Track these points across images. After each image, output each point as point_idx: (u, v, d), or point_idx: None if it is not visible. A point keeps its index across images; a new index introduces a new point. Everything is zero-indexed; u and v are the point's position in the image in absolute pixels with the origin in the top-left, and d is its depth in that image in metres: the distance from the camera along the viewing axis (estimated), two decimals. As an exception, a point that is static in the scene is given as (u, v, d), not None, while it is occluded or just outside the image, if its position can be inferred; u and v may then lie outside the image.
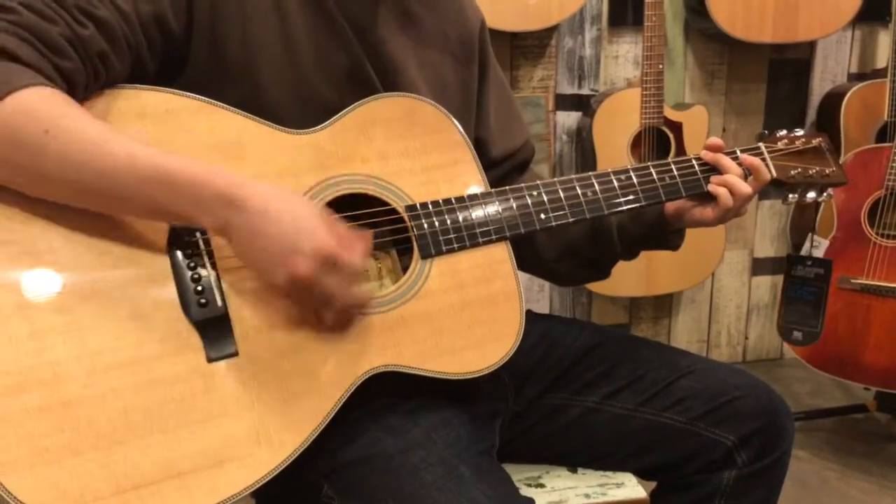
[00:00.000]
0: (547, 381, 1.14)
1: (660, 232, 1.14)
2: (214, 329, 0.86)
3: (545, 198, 1.03)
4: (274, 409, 0.86)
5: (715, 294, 2.74)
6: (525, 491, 1.12)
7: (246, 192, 0.81)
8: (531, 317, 1.25)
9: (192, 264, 0.87)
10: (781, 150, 1.13)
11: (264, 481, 0.84)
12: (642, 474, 1.15)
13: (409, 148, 0.99)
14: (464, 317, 0.96)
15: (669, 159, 1.09)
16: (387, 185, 0.97)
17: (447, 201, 0.98)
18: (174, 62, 0.93)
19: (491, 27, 2.15)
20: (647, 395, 1.11)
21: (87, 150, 0.79)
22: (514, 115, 1.22)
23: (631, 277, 2.38)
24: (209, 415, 0.84)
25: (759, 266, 2.74)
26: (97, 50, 0.85)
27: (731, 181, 1.06)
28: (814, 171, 1.13)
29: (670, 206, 1.12)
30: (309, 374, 0.89)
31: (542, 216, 1.02)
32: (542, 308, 2.61)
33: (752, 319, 2.79)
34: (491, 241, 0.99)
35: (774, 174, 1.11)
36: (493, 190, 1.02)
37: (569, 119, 2.47)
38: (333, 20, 0.99)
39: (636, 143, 2.26)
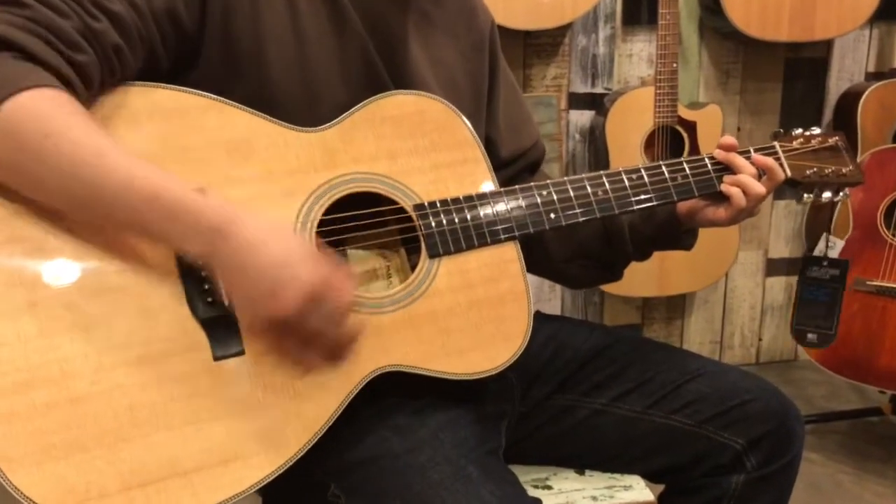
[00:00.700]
0: (555, 382, 1.13)
1: (672, 232, 1.13)
2: (221, 327, 0.86)
3: (555, 197, 1.02)
4: (280, 408, 0.86)
5: (728, 295, 2.72)
6: (532, 492, 1.11)
7: (236, 225, 0.79)
8: (540, 317, 1.24)
9: (199, 262, 0.87)
10: (797, 149, 1.11)
11: (269, 480, 0.84)
12: (650, 477, 1.14)
13: (419, 146, 0.99)
14: (471, 317, 0.95)
15: (682, 158, 1.08)
16: (395, 183, 0.97)
17: (455, 200, 0.98)
18: (186, 57, 0.93)
19: (504, 26, 2.17)
20: (656, 397, 1.10)
21: (85, 162, 0.78)
22: (524, 116, 1.22)
23: (643, 277, 2.37)
24: (215, 413, 0.84)
25: (774, 267, 2.71)
26: (111, 44, 0.85)
27: (745, 181, 1.05)
28: (830, 170, 1.12)
29: (682, 206, 1.11)
30: (315, 373, 0.88)
31: (552, 215, 1.01)
32: (554, 308, 2.60)
33: (766, 321, 2.77)
34: (499, 241, 0.98)
35: (789, 174, 1.10)
36: (502, 189, 1.01)
37: (582, 118, 2.46)
38: (346, 17, 0.99)
39: (649, 143, 2.25)
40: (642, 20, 2.44)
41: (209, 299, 0.86)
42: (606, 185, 1.04)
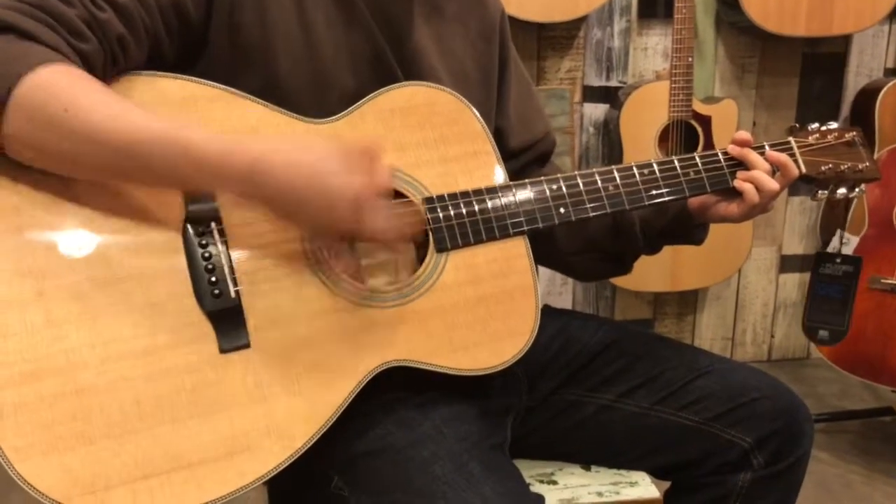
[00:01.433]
0: (562, 376, 1.13)
1: (683, 226, 1.12)
2: (227, 320, 0.86)
3: (565, 191, 1.01)
4: (285, 401, 0.86)
5: (741, 291, 2.70)
6: (537, 487, 1.11)
7: (265, 159, 0.80)
8: (549, 311, 1.24)
9: (206, 254, 0.87)
10: (812, 144, 1.10)
11: (274, 473, 0.84)
12: (657, 474, 1.14)
13: (428, 138, 0.98)
14: (478, 312, 0.95)
15: (695, 153, 1.07)
16: (404, 176, 0.96)
17: (464, 194, 0.97)
18: (192, 49, 0.93)
19: (518, 18, 2.15)
20: (664, 393, 1.09)
21: (106, 125, 0.79)
22: (534, 107, 1.21)
23: (655, 272, 2.35)
24: (220, 406, 0.84)
25: (788, 263, 2.69)
26: (115, 33, 0.85)
27: (758, 177, 1.04)
28: (845, 166, 1.10)
29: (694, 201, 1.09)
30: (321, 367, 0.88)
31: (562, 210, 1.00)
32: (565, 302, 2.59)
33: (778, 318, 2.74)
34: (508, 235, 0.98)
35: (803, 170, 1.08)
36: (511, 182, 1.00)
37: (596, 111, 2.45)
38: (354, 6, 0.98)
39: (664, 137, 2.23)
40: (658, 13, 2.42)
41: (216, 291, 0.86)
42: (618, 179, 1.03)
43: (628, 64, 2.44)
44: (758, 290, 2.70)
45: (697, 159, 1.05)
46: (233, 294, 0.86)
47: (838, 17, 2.26)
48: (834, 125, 1.12)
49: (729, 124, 2.24)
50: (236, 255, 0.88)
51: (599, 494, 1.09)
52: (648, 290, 2.54)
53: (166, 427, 0.82)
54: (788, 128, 1.12)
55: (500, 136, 1.13)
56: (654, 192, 1.03)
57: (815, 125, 1.11)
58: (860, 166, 1.10)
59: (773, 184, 1.03)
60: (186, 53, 0.93)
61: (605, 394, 1.12)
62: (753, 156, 1.05)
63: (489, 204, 0.98)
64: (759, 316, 2.73)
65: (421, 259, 0.97)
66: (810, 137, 1.10)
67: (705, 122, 2.23)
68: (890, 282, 2.04)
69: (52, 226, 0.83)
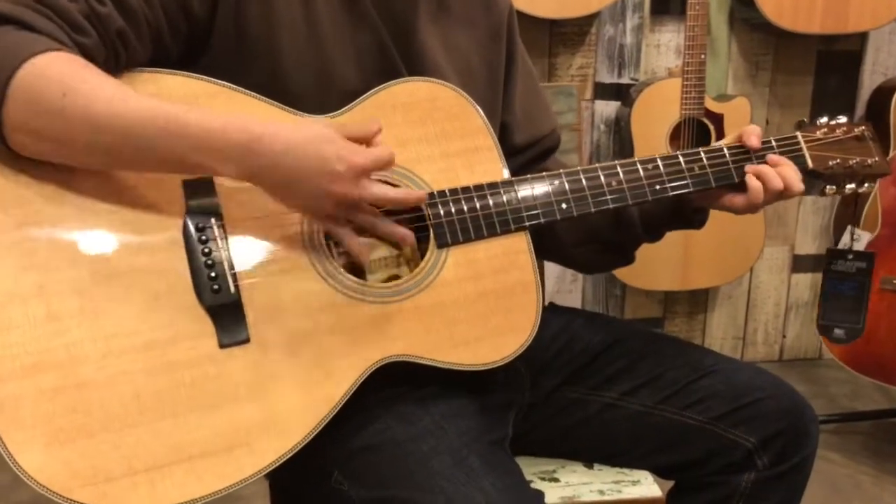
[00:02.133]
0: (565, 374, 1.12)
1: (683, 212, 1.11)
2: (227, 315, 0.86)
3: (567, 187, 1.00)
4: (284, 395, 0.86)
5: (753, 290, 2.68)
6: (539, 485, 1.11)
7: (263, 135, 0.82)
8: (553, 309, 1.23)
9: (206, 250, 0.87)
10: (820, 139, 1.08)
11: (273, 467, 0.85)
12: (660, 473, 1.13)
13: (429, 134, 0.98)
14: (479, 307, 0.95)
15: (700, 148, 1.06)
16: (405, 171, 0.96)
17: (465, 189, 0.97)
18: (196, 44, 0.93)
19: (530, 14, 2.15)
20: (667, 392, 1.08)
21: (104, 110, 0.80)
22: (541, 103, 1.20)
23: (666, 271, 2.34)
24: (220, 400, 0.84)
25: (800, 263, 2.67)
26: (116, 28, 0.86)
27: (766, 172, 1.02)
28: (854, 161, 1.08)
29: None
30: (320, 362, 0.88)
31: (564, 206, 1.00)
32: (575, 300, 2.59)
33: (790, 318, 2.72)
34: (509, 231, 0.97)
35: (810, 164, 1.07)
36: (513, 178, 1.00)
37: (607, 108, 2.44)
38: (359, 2, 0.98)
39: (675, 135, 2.21)
40: (671, 10, 2.40)
41: (215, 287, 0.86)
42: (621, 175, 1.02)
43: (640, 61, 2.43)
44: (769, 289, 2.68)
45: (702, 155, 1.05)
46: (232, 289, 0.86)
47: (854, 15, 2.24)
48: (843, 119, 1.10)
49: (741, 122, 2.22)
50: (236, 250, 0.88)
51: (601, 493, 1.09)
52: (659, 289, 2.52)
53: (166, 421, 0.82)
54: (797, 122, 1.10)
55: (505, 132, 1.13)
56: (658, 187, 1.03)
57: (824, 119, 1.09)
58: (869, 161, 1.08)
59: (779, 183, 1.02)
60: (190, 49, 0.93)
61: (608, 392, 1.11)
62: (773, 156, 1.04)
63: (490, 199, 0.97)
64: (770, 316, 2.71)
65: (422, 255, 0.97)
66: (818, 132, 1.08)
67: (717, 119, 2.21)
68: (903, 282, 2.02)
69: (53, 221, 0.84)
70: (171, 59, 0.92)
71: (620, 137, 2.37)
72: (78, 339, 0.81)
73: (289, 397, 0.87)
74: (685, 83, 2.16)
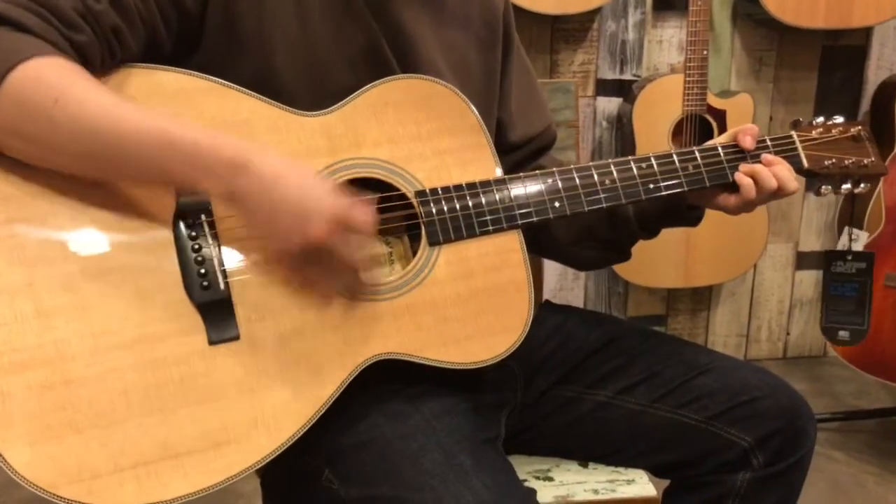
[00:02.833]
0: (559, 372, 1.12)
1: (678, 210, 1.10)
2: (217, 312, 0.86)
3: (560, 185, 1.00)
4: (273, 393, 0.86)
5: (756, 288, 2.67)
6: (533, 484, 1.10)
7: (254, 160, 0.81)
8: (549, 307, 1.23)
9: (196, 247, 0.87)
10: (815, 138, 1.08)
11: (261, 465, 0.84)
12: (655, 472, 1.12)
13: (422, 131, 0.98)
14: (470, 306, 0.94)
15: (694, 147, 1.05)
16: (397, 169, 0.96)
17: (458, 187, 0.96)
18: (189, 39, 0.93)
19: (531, 10, 2.14)
20: (663, 391, 1.08)
21: (96, 118, 0.79)
22: (537, 100, 1.19)
23: (669, 268, 2.33)
24: (208, 397, 0.84)
25: (804, 260, 2.65)
26: (110, 24, 0.85)
27: (760, 171, 1.02)
28: (850, 161, 1.08)
29: None
30: (310, 359, 0.88)
31: (556, 204, 0.99)
32: (577, 298, 2.58)
33: (794, 315, 2.71)
34: (502, 230, 0.97)
35: (805, 164, 1.06)
36: (505, 177, 0.99)
37: (609, 105, 2.43)
38: None
39: (677, 131, 2.20)
40: (673, 5, 2.39)
41: (205, 283, 0.86)
42: (615, 174, 1.01)
43: (643, 57, 2.42)
44: (773, 286, 2.67)
45: (697, 154, 1.04)
46: (222, 286, 0.86)
47: (858, 9, 2.22)
48: (839, 119, 1.09)
49: (744, 118, 2.21)
50: (226, 247, 0.88)
51: (595, 492, 1.08)
52: (661, 287, 2.51)
53: (154, 417, 0.82)
54: (792, 122, 1.10)
55: (500, 129, 1.12)
56: (651, 186, 1.02)
57: (820, 119, 1.09)
58: (865, 161, 1.08)
59: (773, 182, 1.01)
60: (184, 44, 0.93)
61: (603, 390, 1.10)
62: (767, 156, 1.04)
63: (483, 198, 0.97)
64: (774, 313, 2.70)
65: (416, 253, 0.96)
66: (814, 132, 1.08)
67: (720, 116, 2.20)
68: (907, 280, 2.01)
69: (43, 217, 0.83)
70: (165, 54, 0.92)
71: (622, 134, 2.36)
72: (66, 335, 0.81)
73: (278, 395, 0.86)
74: (687, 79, 2.15)
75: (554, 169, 1.00)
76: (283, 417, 0.86)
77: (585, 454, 1.15)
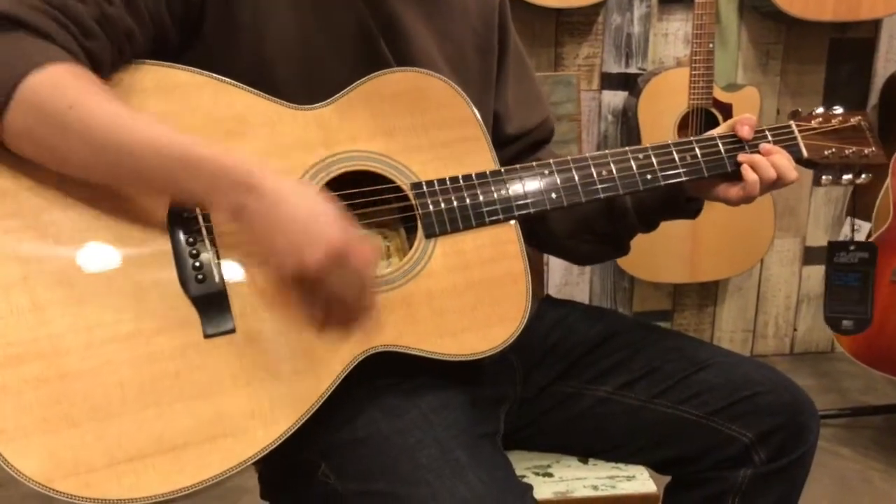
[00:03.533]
0: (560, 368, 1.11)
1: (677, 202, 1.09)
2: (212, 305, 0.86)
3: (557, 177, 0.99)
4: (269, 386, 0.86)
5: (763, 283, 2.65)
6: (533, 479, 1.10)
7: (266, 180, 0.80)
8: (550, 302, 1.22)
9: (191, 240, 0.86)
10: (815, 128, 1.07)
11: (257, 458, 0.84)
12: (656, 468, 1.11)
13: (417, 124, 0.97)
14: (467, 298, 0.94)
15: (692, 137, 1.04)
16: (393, 162, 0.95)
17: (454, 179, 0.96)
18: (191, 33, 0.93)
19: (536, 3, 2.13)
20: (663, 386, 1.07)
21: (108, 127, 0.80)
22: (534, 92, 1.19)
23: (675, 263, 2.32)
24: (204, 390, 0.84)
25: (812, 255, 2.63)
26: (124, 28, 0.86)
27: (760, 162, 1.01)
28: (850, 150, 1.07)
29: None
30: (306, 352, 0.88)
31: (554, 196, 0.98)
32: (583, 293, 2.57)
33: (801, 310, 2.69)
34: (498, 222, 0.96)
35: (805, 154, 1.05)
36: (501, 168, 0.99)
37: (615, 99, 2.42)
38: None
39: (683, 125, 2.19)
40: (680, -2, 2.37)
41: (199, 277, 0.85)
42: (612, 165, 1.00)
43: (648, 50, 2.40)
44: (780, 282, 2.65)
45: (695, 144, 1.03)
46: (217, 279, 0.86)
47: (867, 1, 2.20)
48: (839, 109, 1.08)
49: (750, 112, 2.19)
50: (221, 241, 0.87)
51: (595, 488, 1.08)
52: (667, 282, 2.50)
53: (150, 411, 0.82)
54: (791, 112, 1.09)
55: (497, 121, 1.12)
56: (649, 177, 1.01)
57: (820, 109, 1.08)
58: (866, 151, 1.07)
59: (771, 172, 1.00)
60: (187, 36, 0.93)
61: (603, 386, 1.10)
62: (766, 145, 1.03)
63: (479, 190, 0.96)
64: (781, 308, 2.68)
65: (411, 245, 0.96)
66: (813, 122, 1.07)
67: (726, 109, 2.19)
68: (914, 274, 1.99)
69: (39, 212, 0.83)
70: (171, 48, 0.92)
71: (628, 128, 2.35)
72: (61, 329, 0.81)
73: (274, 388, 0.86)
74: (693, 73, 2.14)
75: (551, 161, 1.00)
76: (279, 411, 0.86)
77: (585, 450, 1.14)
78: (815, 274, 2.65)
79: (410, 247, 0.97)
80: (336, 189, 0.93)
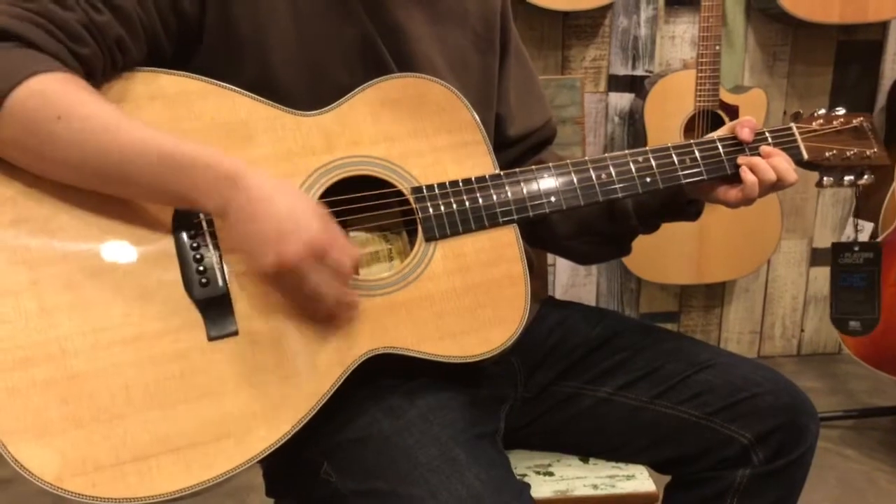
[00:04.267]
0: (560, 368, 1.12)
1: (678, 204, 1.10)
2: (216, 308, 0.87)
3: (557, 180, 1.00)
4: (272, 387, 0.87)
5: (770, 284, 2.65)
6: (533, 478, 1.11)
7: (249, 176, 0.82)
8: (551, 303, 1.23)
9: (195, 244, 0.88)
10: (815, 130, 1.07)
11: (260, 458, 0.85)
12: (655, 467, 1.12)
13: (418, 129, 0.98)
14: (466, 300, 0.95)
15: (692, 140, 1.05)
16: (394, 166, 0.97)
17: (454, 183, 0.97)
18: (188, 44, 0.94)
19: (543, 6, 2.14)
20: (663, 387, 1.08)
21: (98, 137, 0.81)
22: (536, 94, 1.20)
23: (681, 264, 2.32)
24: (208, 392, 0.86)
25: (819, 256, 2.63)
26: (114, 35, 0.87)
27: (759, 164, 1.01)
28: (852, 152, 1.07)
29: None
30: (308, 354, 0.89)
31: (553, 199, 0.99)
32: (589, 294, 2.58)
33: (808, 312, 2.69)
34: (497, 225, 0.97)
35: (805, 156, 1.06)
36: (501, 172, 1.00)
37: (621, 101, 2.42)
38: None
39: (690, 127, 2.20)
40: (686, 1, 2.38)
41: (203, 280, 0.87)
42: (611, 168, 1.01)
43: (655, 52, 2.41)
44: (787, 283, 2.65)
45: (694, 147, 1.04)
46: (221, 282, 0.88)
47: (874, 3, 2.20)
48: (841, 111, 1.09)
49: (757, 114, 2.20)
50: (225, 245, 0.89)
51: (595, 487, 1.08)
52: (674, 283, 2.50)
53: (155, 412, 0.84)
54: (792, 114, 1.09)
55: (500, 124, 1.13)
56: (648, 180, 1.02)
57: (822, 111, 1.08)
58: (868, 152, 1.07)
59: (771, 175, 1.01)
60: (184, 48, 0.94)
61: (603, 386, 1.11)
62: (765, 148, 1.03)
63: (479, 193, 0.97)
64: (788, 309, 2.68)
65: (412, 248, 0.97)
66: (814, 123, 1.07)
67: (733, 111, 2.19)
68: (921, 276, 1.99)
69: (45, 217, 0.85)
70: (167, 58, 0.93)
71: (634, 130, 2.36)
72: (68, 332, 0.83)
73: (277, 389, 0.87)
74: (700, 75, 2.14)
75: (550, 164, 1.01)
76: (282, 412, 0.87)
77: (586, 449, 1.15)
78: (823, 275, 2.65)
79: (412, 250, 0.99)
80: (339, 193, 0.94)
